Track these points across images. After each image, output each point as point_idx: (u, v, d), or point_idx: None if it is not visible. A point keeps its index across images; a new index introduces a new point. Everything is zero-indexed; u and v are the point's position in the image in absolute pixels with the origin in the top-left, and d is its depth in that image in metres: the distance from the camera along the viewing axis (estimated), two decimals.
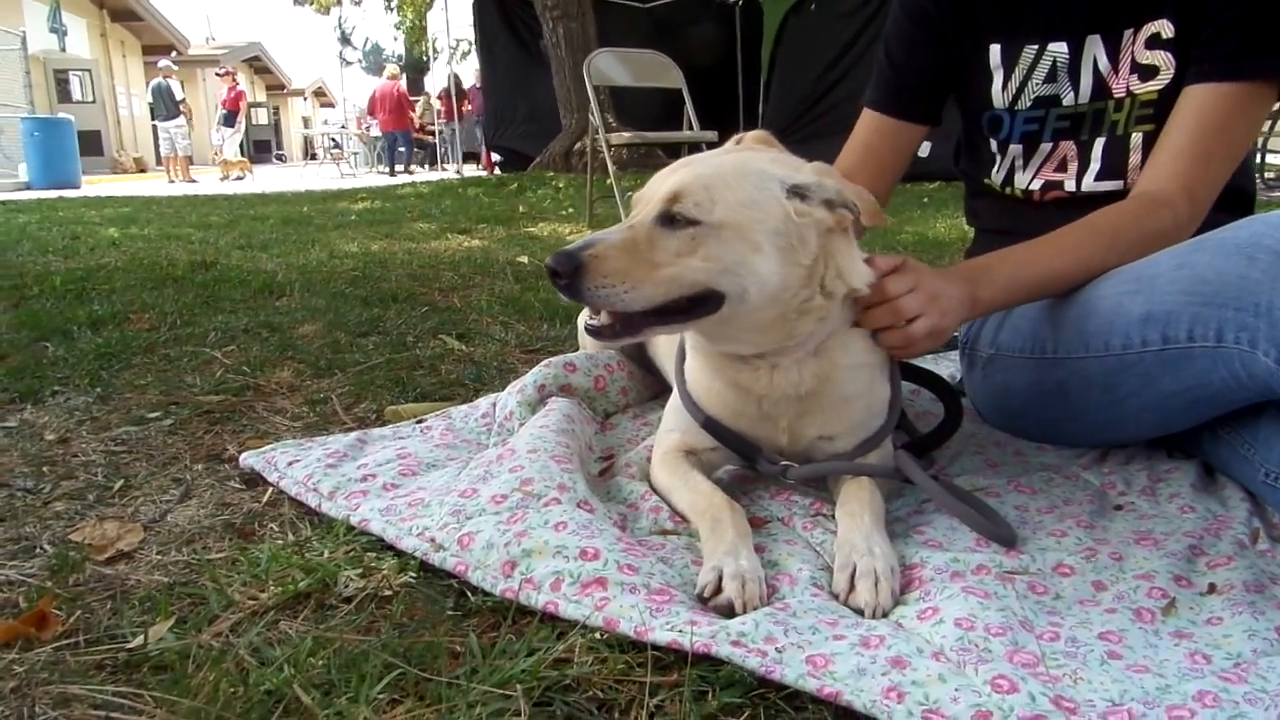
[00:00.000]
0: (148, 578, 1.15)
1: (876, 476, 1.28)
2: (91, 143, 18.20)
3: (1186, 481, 1.38)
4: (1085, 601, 1.05)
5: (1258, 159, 8.58)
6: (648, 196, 1.21)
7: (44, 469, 1.52)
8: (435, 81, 20.36)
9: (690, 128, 5.68)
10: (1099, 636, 0.97)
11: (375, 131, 19.52)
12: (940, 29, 1.59)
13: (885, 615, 1.02)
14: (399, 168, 18.30)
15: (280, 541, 1.24)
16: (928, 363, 2.16)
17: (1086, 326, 1.37)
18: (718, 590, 1.02)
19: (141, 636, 0.98)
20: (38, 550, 1.23)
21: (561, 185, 8.93)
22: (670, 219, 1.15)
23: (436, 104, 18.53)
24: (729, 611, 1.00)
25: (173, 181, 16.05)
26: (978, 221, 1.82)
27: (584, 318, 1.29)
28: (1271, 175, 9.66)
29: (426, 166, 19.45)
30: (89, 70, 20.81)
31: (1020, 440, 1.61)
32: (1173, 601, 1.04)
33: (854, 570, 1.07)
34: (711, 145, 5.85)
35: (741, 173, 1.19)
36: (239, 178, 16.28)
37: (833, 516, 1.24)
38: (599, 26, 11.01)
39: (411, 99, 18.53)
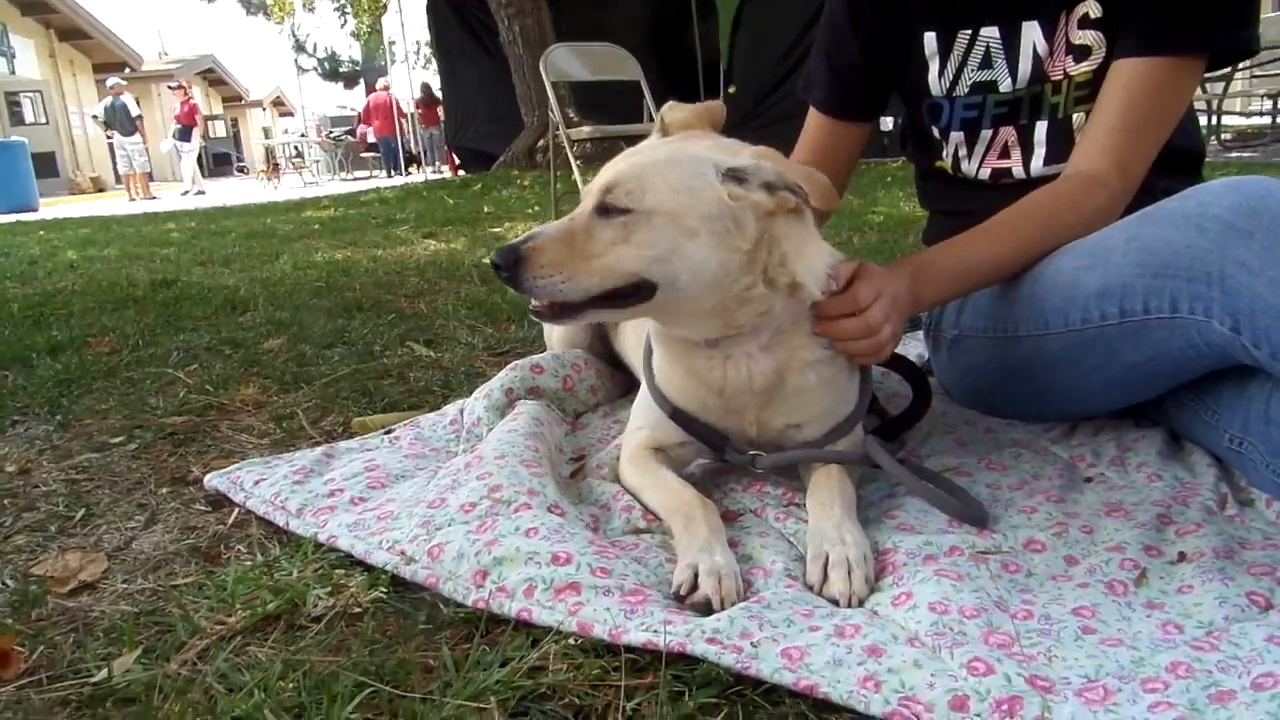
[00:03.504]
0: (112, 608, 1.13)
1: (846, 463, 1.28)
2: (46, 164, 17.92)
3: (1153, 450, 1.39)
4: (1058, 577, 1.06)
5: (1214, 120, 8.70)
6: (591, 188, 1.21)
7: (4, 502, 1.49)
8: (395, 86, 20.37)
9: (650, 119, 5.66)
10: (1072, 612, 0.97)
11: (371, 138, 20.19)
12: (873, 23, 1.58)
13: (860, 604, 1.02)
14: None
15: (248, 563, 1.21)
16: None
17: (1045, 304, 1.37)
18: (694, 588, 1.02)
19: (106, 670, 0.96)
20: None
21: (526, 183, 8.89)
22: (605, 209, 1.16)
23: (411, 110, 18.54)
24: (706, 608, 0.99)
25: (133, 199, 15.83)
26: (931, 204, 1.82)
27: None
28: (1228, 137, 9.80)
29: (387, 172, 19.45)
30: (40, 91, 20.49)
31: (990, 417, 1.62)
32: (1144, 572, 1.05)
33: (827, 560, 1.07)
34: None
35: (675, 159, 1.19)
36: (152, 198, 15.85)
37: (804, 506, 1.24)
38: (555, 22, 10.96)
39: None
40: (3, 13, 19.70)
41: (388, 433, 1.66)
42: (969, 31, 1.51)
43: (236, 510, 1.39)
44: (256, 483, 1.42)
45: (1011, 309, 1.45)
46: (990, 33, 1.50)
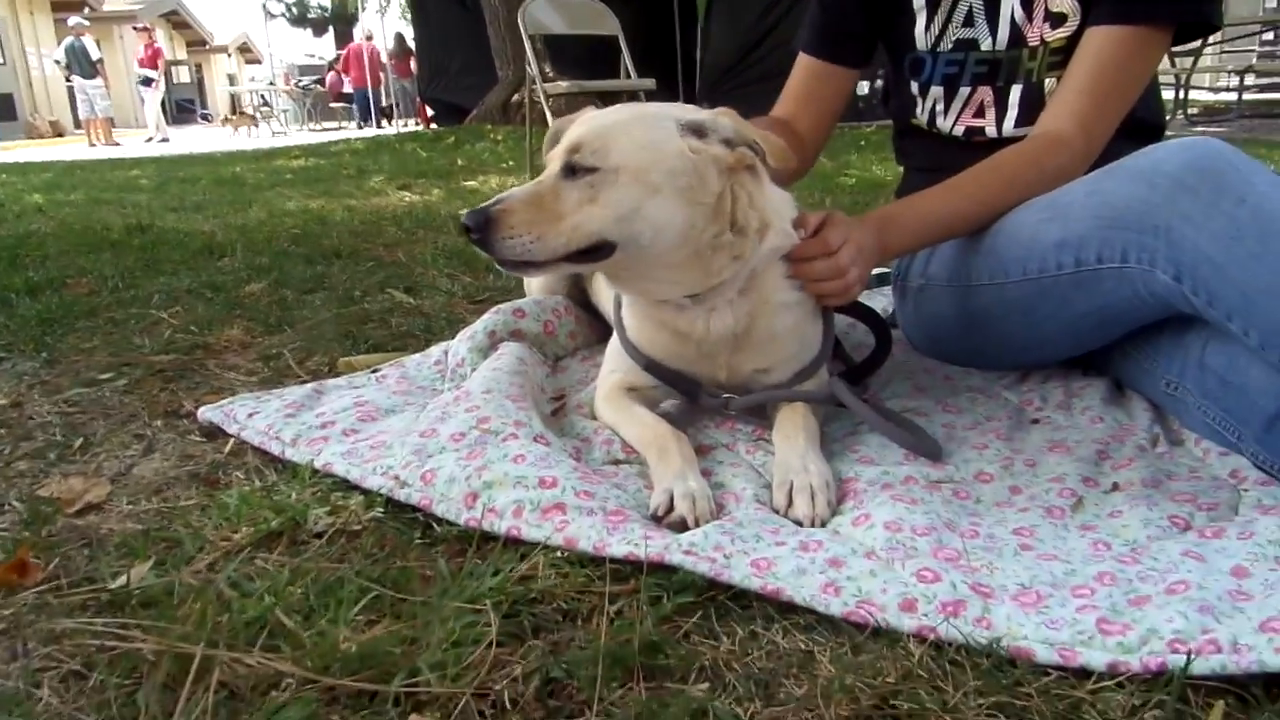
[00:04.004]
0: (119, 526, 1.19)
1: (812, 402, 1.36)
2: (4, 106, 17.52)
3: (1098, 396, 1.50)
4: (1002, 504, 1.16)
5: (1181, 94, 8.85)
6: (557, 151, 1.26)
7: (1, 431, 1.54)
8: (364, 31, 20.11)
9: (628, 76, 5.68)
10: (1014, 532, 1.07)
11: (348, 88, 19.99)
12: None
13: (823, 524, 1.11)
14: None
15: (248, 487, 1.28)
16: (863, 297, 2.26)
17: (1007, 254, 1.46)
18: (670, 509, 1.10)
19: (124, 577, 1.03)
20: (5, 507, 1.26)
21: (500, 138, 8.84)
22: (572, 170, 1.21)
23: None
24: (681, 527, 1.08)
25: (94, 145, 15.50)
26: (906, 160, 1.90)
27: None
28: (1195, 112, 9.96)
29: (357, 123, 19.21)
30: None
31: (949, 366, 1.71)
32: (1080, 500, 1.15)
33: (791, 486, 1.16)
34: (650, 94, 5.84)
35: (638, 117, 1.26)
36: (115, 144, 15.51)
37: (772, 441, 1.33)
38: None
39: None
40: None
41: (374, 372, 1.73)
42: None
43: (231, 441, 1.45)
44: (250, 415, 1.48)
45: (975, 260, 1.53)
46: None
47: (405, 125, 15.36)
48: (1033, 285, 1.44)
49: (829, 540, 1.04)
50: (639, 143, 1.21)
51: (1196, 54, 8.67)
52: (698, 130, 1.24)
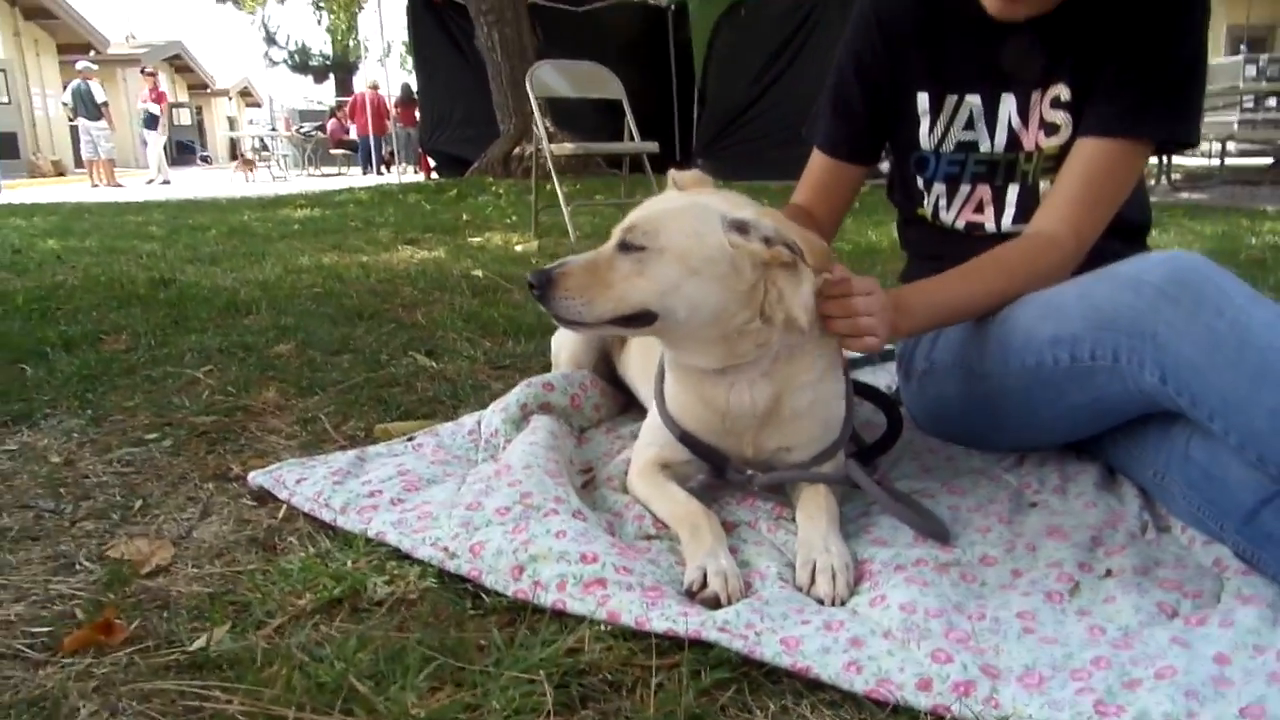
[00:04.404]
0: (188, 589, 1.28)
1: (831, 484, 1.47)
2: (7, 145, 17.71)
3: (1090, 481, 1.61)
4: (1005, 587, 1.26)
5: (1165, 160, 9.11)
6: (617, 228, 1.41)
7: (59, 490, 1.63)
8: (369, 81, 20.56)
9: (631, 138, 5.87)
10: (1017, 615, 1.17)
11: (355, 134, 20.63)
12: (877, 78, 1.79)
13: (843, 603, 1.21)
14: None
15: (304, 553, 1.38)
16: (866, 374, 2.38)
17: (1007, 346, 1.58)
18: (703, 585, 1.20)
19: (203, 639, 1.12)
20: (77, 566, 1.35)
21: (502, 191, 9.03)
22: (625, 246, 1.37)
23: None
24: (715, 603, 1.18)
25: (95, 185, 15.67)
26: (910, 248, 2.03)
27: None
28: (1178, 177, 10.26)
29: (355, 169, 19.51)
30: (3, 71, 20.15)
31: (951, 446, 1.82)
32: (1077, 585, 1.25)
33: (814, 566, 1.26)
34: (652, 156, 6.00)
35: (688, 208, 1.41)
36: (117, 185, 15.72)
37: (793, 520, 1.44)
38: (533, 30, 11.12)
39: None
40: None
41: (410, 440, 1.83)
42: (956, 96, 1.73)
43: (283, 506, 1.55)
44: (298, 481, 1.58)
45: (977, 348, 1.65)
46: (974, 100, 1.71)
47: (405, 172, 15.61)
48: (1031, 376, 1.56)
49: (849, 620, 1.14)
50: (686, 230, 1.36)
51: None
52: (741, 227, 1.37)
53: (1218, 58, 13.54)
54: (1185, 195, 8.50)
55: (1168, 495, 1.49)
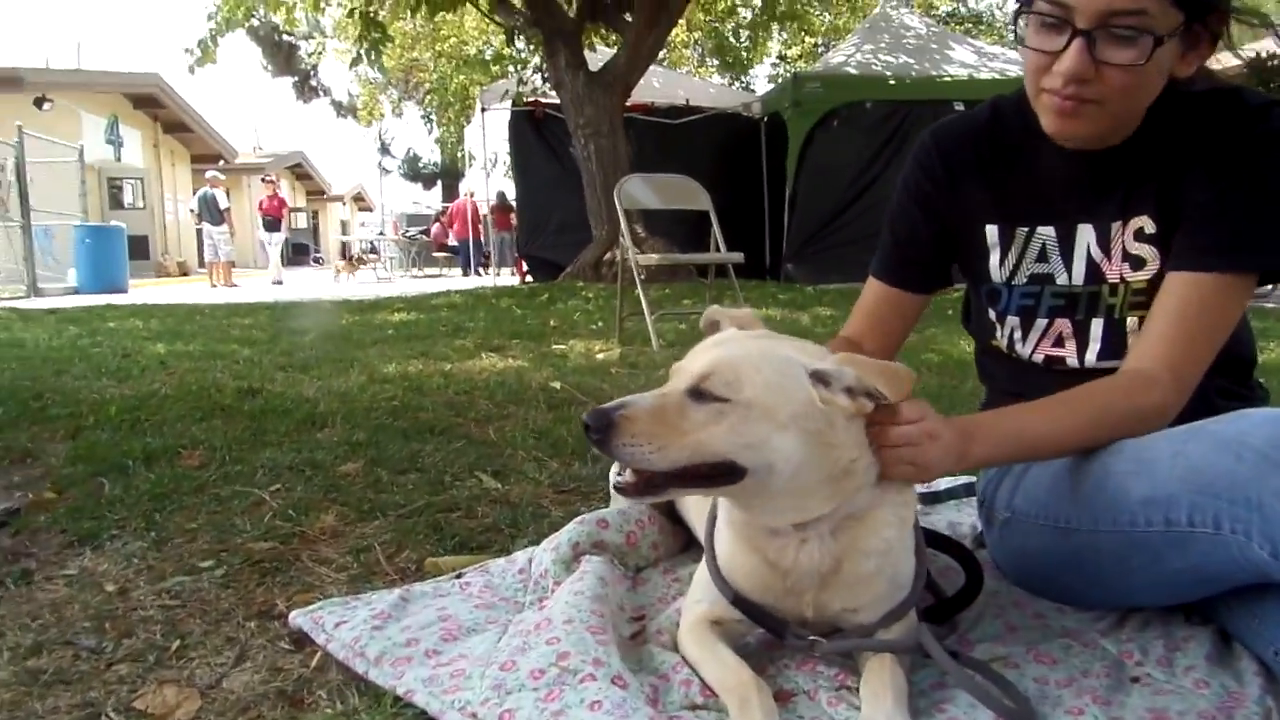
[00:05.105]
0: None
1: (900, 652, 1.33)
2: (139, 247, 18.92)
3: (1202, 653, 1.42)
4: None
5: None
6: (683, 369, 1.31)
7: (106, 625, 1.61)
8: (467, 189, 21.65)
9: (717, 248, 5.87)
10: None
11: (453, 240, 21.85)
12: (938, 208, 1.70)
13: None
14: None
15: (329, 711, 1.31)
16: (950, 509, 2.23)
17: (1095, 502, 1.44)
18: None
19: None
20: (102, 717, 1.31)
21: (591, 296, 9.15)
22: (699, 394, 1.25)
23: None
24: None
25: (214, 286, 16.59)
26: (987, 379, 1.90)
27: (613, 473, 1.38)
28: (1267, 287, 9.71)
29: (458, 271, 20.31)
30: (141, 179, 21.84)
31: (1040, 600, 1.66)
32: None
33: None
34: (738, 267, 6.02)
35: (766, 357, 1.30)
36: (233, 285, 16.62)
37: (856, 690, 1.30)
38: (628, 141, 11.44)
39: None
40: (117, 105, 21.25)
41: (458, 576, 1.76)
42: (1026, 229, 1.62)
43: (319, 653, 1.49)
44: (337, 625, 1.52)
45: (1062, 502, 1.51)
46: (1047, 231, 1.60)
47: (499, 274, 16.16)
48: (1123, 537, 1.40)
49: None
50: (770, 384, 1.25)
51: None
52: (823, 379, 1.28)
53: None
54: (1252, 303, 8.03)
55: None
